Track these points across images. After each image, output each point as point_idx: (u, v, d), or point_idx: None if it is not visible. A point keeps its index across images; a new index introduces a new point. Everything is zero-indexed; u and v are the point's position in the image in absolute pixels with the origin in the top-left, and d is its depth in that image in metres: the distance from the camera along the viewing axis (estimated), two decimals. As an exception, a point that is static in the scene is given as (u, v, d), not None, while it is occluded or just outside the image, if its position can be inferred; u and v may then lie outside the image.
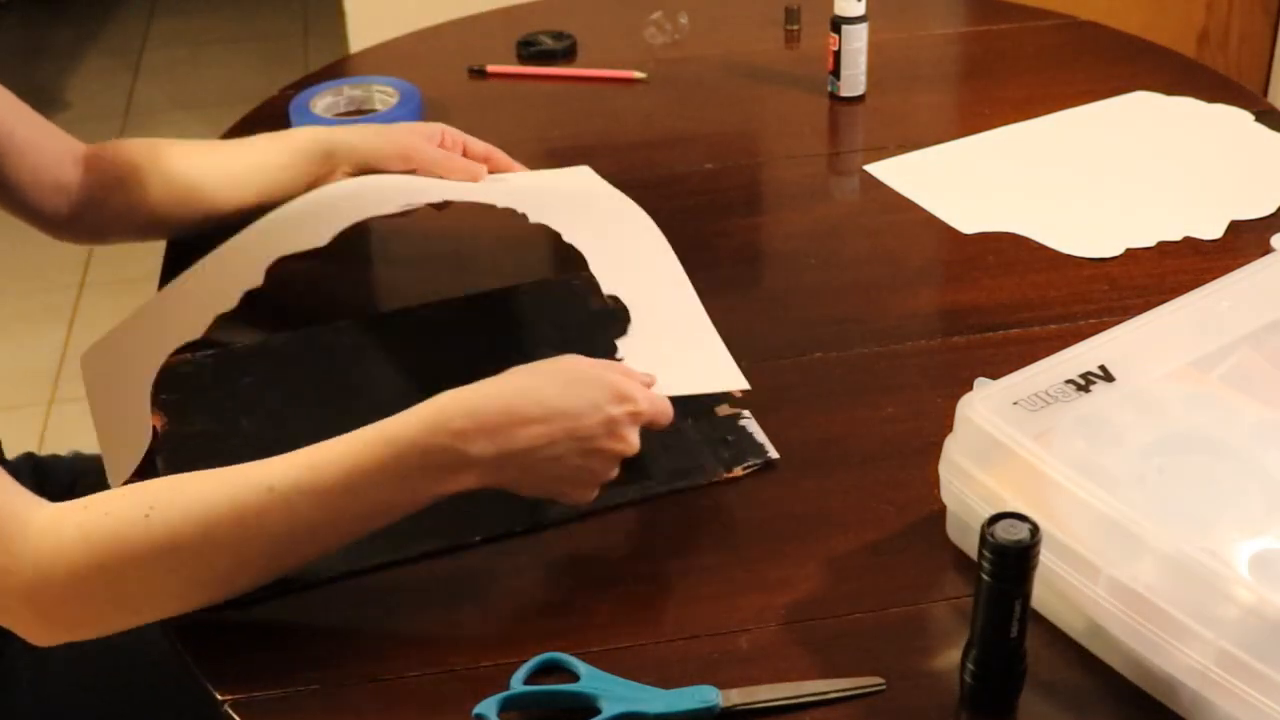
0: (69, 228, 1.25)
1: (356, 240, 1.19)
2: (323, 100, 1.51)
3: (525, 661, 0.84)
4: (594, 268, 1.05)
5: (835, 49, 1.50)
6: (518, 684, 0.82)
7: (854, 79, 1.51)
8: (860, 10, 1.48)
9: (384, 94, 1.52)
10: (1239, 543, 0.82)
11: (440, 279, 1.23)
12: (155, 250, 1.30)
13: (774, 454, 1.00)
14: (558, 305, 1.14)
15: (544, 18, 1.73)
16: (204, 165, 1.24)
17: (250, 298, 1.03)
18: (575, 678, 0.83)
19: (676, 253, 1.22)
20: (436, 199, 1.20)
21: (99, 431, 1.05)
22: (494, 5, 1.80)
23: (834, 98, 1.53)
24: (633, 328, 1.01)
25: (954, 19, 1.75)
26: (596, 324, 1.06)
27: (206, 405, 1.07)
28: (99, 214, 1.24)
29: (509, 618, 0.89)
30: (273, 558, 0.87)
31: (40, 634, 0.88)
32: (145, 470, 0.99)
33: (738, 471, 0.99)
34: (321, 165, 1.23)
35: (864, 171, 1.39)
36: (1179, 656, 0.77)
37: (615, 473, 0.92)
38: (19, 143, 1.17)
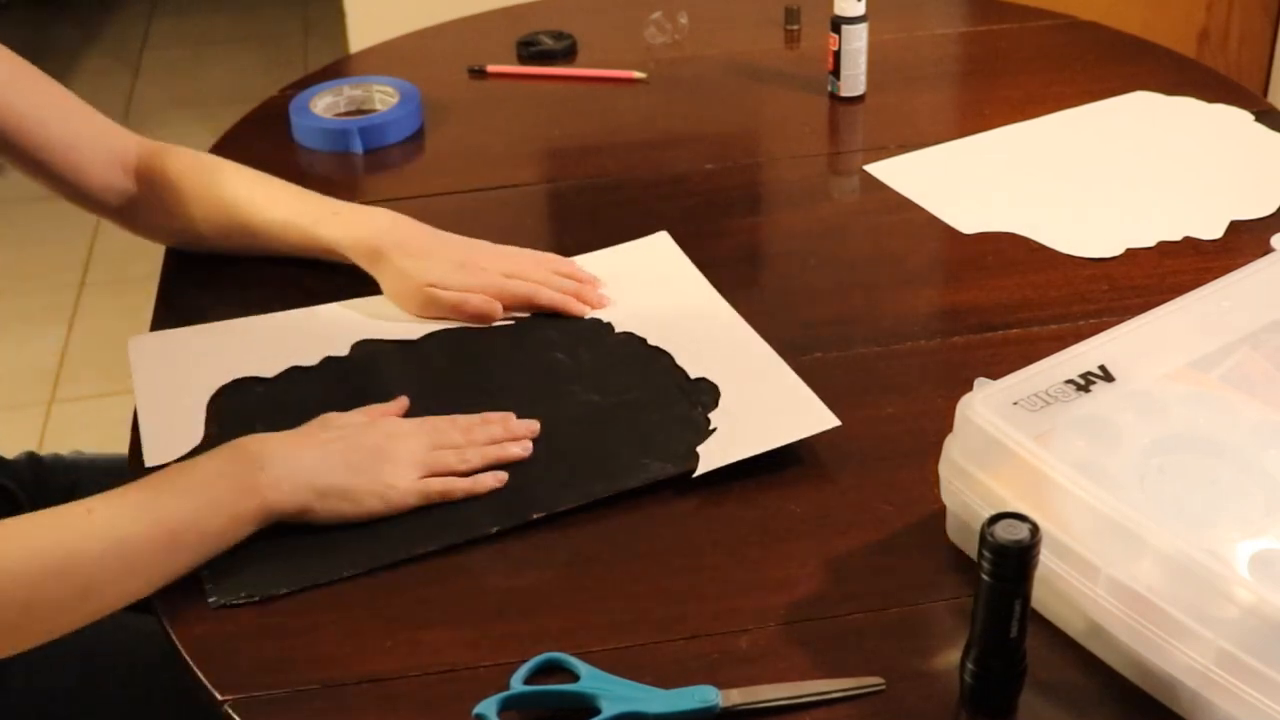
0: (120, 221, 1.28)
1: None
2: (323, 100, 1.51)
3: (525, 661, 0.84)
4: (680, 361, 1.10)
5: (835, 49, 1.50)
6: (518, 684, 0.82)
7: (854, 79, 1.51)
8: (860, 10, 1.48)
9: (384, 94, 1.52)
10: (1239, 543, 0.82)
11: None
12: (155, 251, 1.30)
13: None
14: (653, 373, 1.11)
15: (544, 18, 1.74)
16: (253, 204, 1.22)
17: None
18: (575, 678, 0.83)
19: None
20: (538, 308, 1.18)
21: (141, 412, 1.07)
22: (494, 5, 1.80)
23: (834, 98, 1.53)
24: (723, 400, 1.05)
25: (954, 19, 1.75)
26: (688, 395, 1.07)
27: (264, 416, 1.07)
28: (145, 218, 1.26)
29: (509, 618, 0.89)
30: (95, 582, 0.89)
31: None
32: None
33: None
34: (367, 264, 1.20)
35: (864, 171, 1.39)
36: (1179, 656, 0.77)
37: (416, 465, 0.97)
38: (56, 140, 1.20)
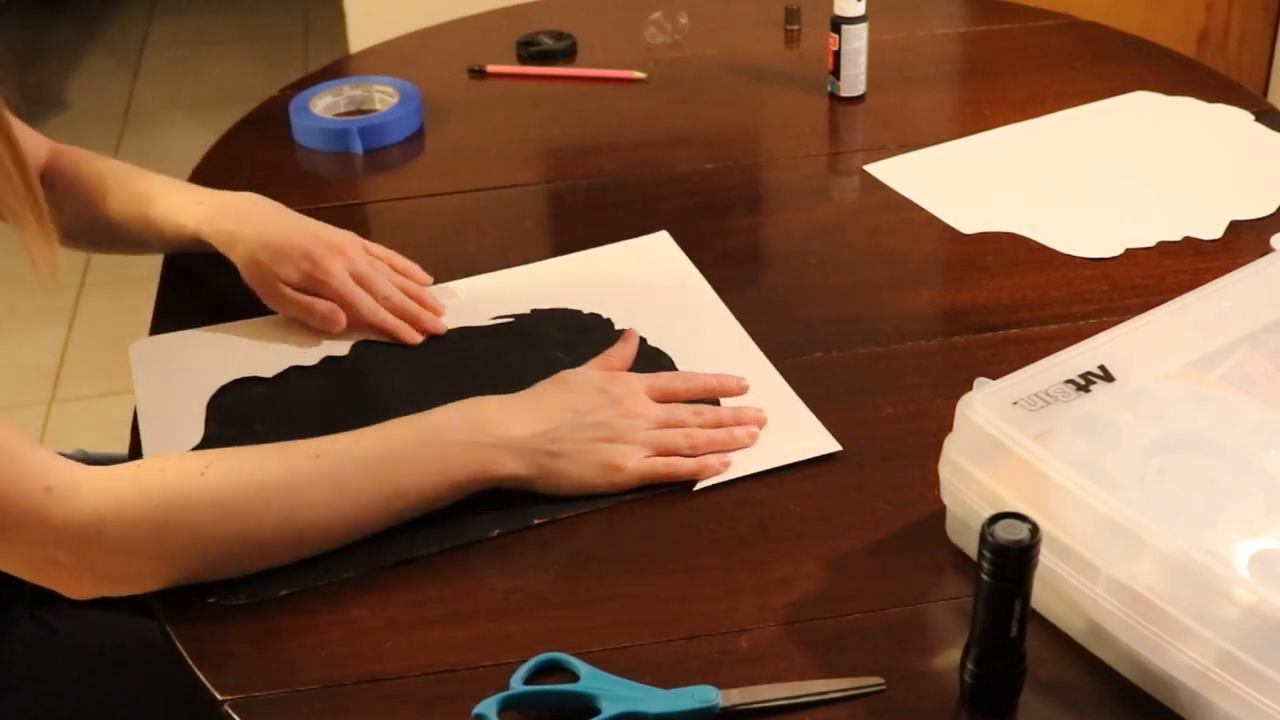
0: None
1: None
2: (323, 100, 1.51)
3: (525, 661, 0.84)
4: (680, 365, 1.10)
5: (835, 49, 1.50)
6: (518, 684, 0.82)
7: (854, 79, 1.51)
8: (860, 10, 1.48)
9: (384, 94, 1.52)
10: (1239, 543, 0.82)
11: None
12: (155, 250, 1.30)
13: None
14: (644, 363, 1.11)
15: (544, 18, 1.73)
16: (119, 198, 1.21)
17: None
18: (575, 678, 0.83)
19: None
20: (526, 309, 1.19)
21: (141, 415, 1.08)
22: (494, 5, 1.80)
23: (834, 98, 1.53)
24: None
25: (954, 19, 1.75)
26: (688, 401, 1.06)
27: (264, 415, 1.08)
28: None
29: (509, 618, 0.89)
30: (317, 525, 0.91)
31: (83, 586, 0.89)
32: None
33: None
34: (224, 248, 1.19)
35: (864, 171, 1.39)
36: (1179, 656, 0.77)
37: (645, 445, 0.98)
38: None
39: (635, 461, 0.97)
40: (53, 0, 4.16)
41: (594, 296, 1.19)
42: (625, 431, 0.98)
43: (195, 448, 1.03)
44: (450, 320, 1.17)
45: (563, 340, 1.13)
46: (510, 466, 0.95)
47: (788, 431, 1.03)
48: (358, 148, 1.45)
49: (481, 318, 1.17)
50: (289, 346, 1.14)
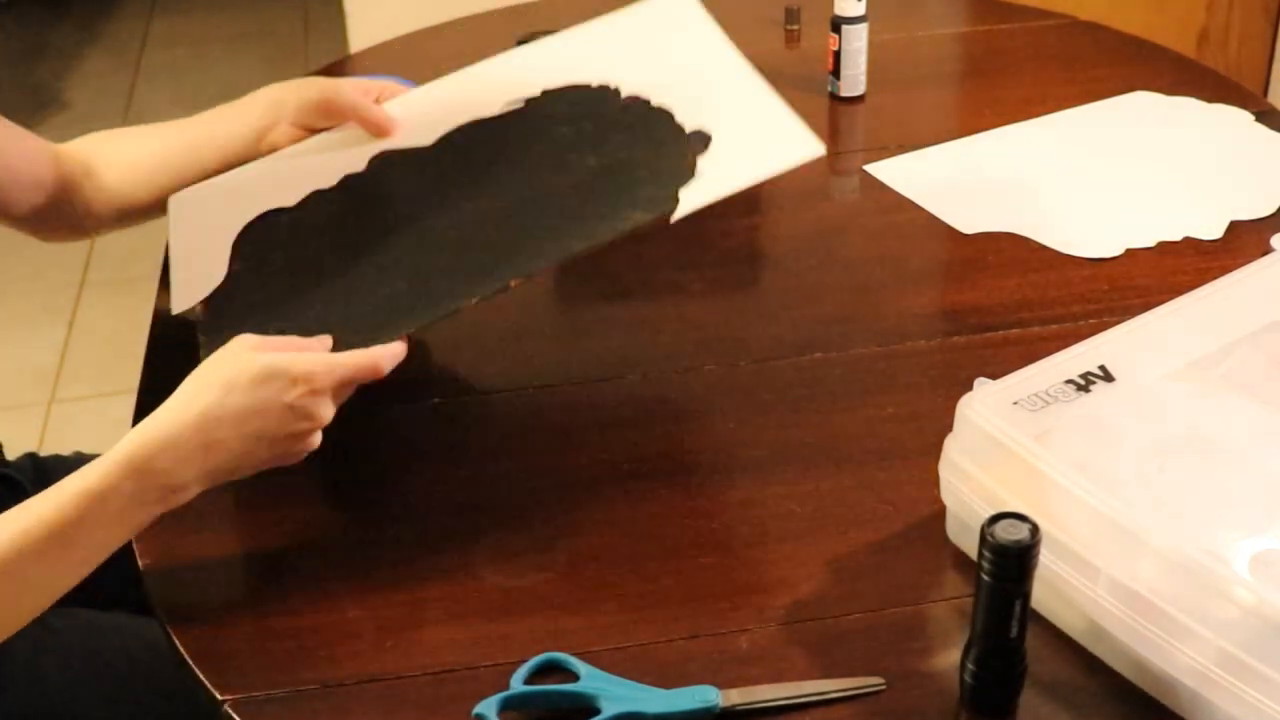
0: (51, 225, 1.24)
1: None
2: None
3: (525, 661, 0.84)
4: (680, 118, 1.10)
5: (835, 49, 1.50)
6: (518, 684, 0.82)
7: (854, 79, 1.51)
8: (860, 10, 1.48)
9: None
10: (1239, 543, 0.82)
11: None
12: (155, 250, 1.30)
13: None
14: (652, 130, 1.12)
15: (544, 18, 1.73)
16: (162, 143, 1.23)
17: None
18: (575, 678, 0.83)
19: (676, 252, 1.23)
20: (538, 90, 1.17)
21: (174, 263, 1.10)
22: (494, 5, 1.80)
23: (834, 98, 1.53)
24: (713, 145, 1.06)
25: (954, 19, 1.75)
26: (681, 145, 1.08)
27: (283, 243, 1.10)
28: (74, 207, 1.23)
29: (509, 618, 0.89)
30: (4, 616, 0.90)
31: None
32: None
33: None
34: (265, 117, 1.20)
35: (864, 171, 1.39)
36: (1179, 656, 0.77)
37: (316, 440, 0.94)
38: None
39: (317, 438, 0.94)
40: (53, 0, 4.16)
41: (602, 67, 1.17)
42: (301, 446, 0.94)
43: (217, 289, 1.04)
44: (462, 115, 1.15)
45: (570, 114, 1.13)
46: (193, 493, 0.91)
47: (771, 141, 1.05)
48: None
49: (495, 106, 1.16)
50: (310, 172, 1.14)
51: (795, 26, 1.69)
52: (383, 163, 1.14)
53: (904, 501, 0.96)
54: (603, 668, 0.84)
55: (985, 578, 0.76)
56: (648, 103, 1.12)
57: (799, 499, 0.97)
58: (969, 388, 0.91)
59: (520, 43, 1.66)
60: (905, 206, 1.33)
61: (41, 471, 1.26)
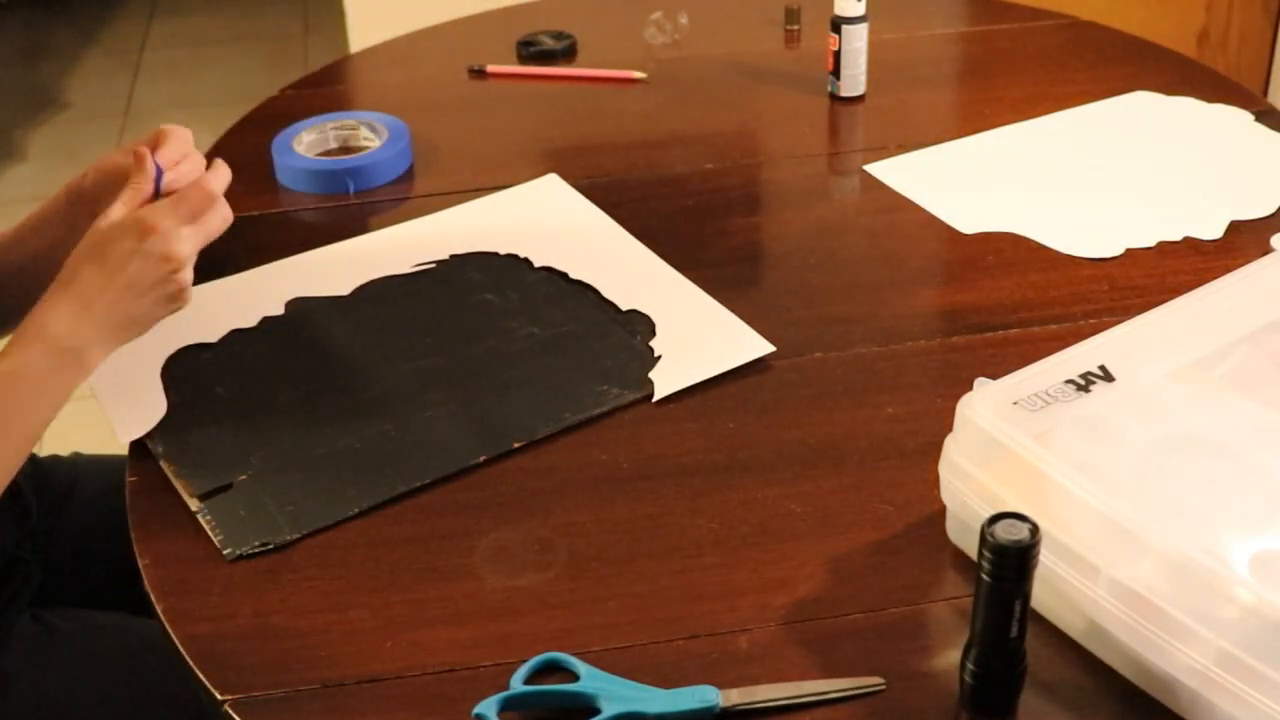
0: None
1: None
2: (307, 137, 1.43)
3: (525, 661, 0.84)
4: (606, 294, 1.18)
5: (835, 49, 1.50)
6: (518, 684, 0.82)
7: (854, 79, 1.51)
8: (860, 10, 1.48)
9: (370, 132, 1.44)
10: (1239, 543, 0.82)
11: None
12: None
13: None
14: (583, 306, 1.18)
15: (544, 18, 1.74)
16: None
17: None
18: (575, 678, 0.83)
19: (676, 253, 1.24)
20: (445, 254, 1.25)
21: (102, 396, 1.11)
22: (494, 5, 1.80)
23: (834, 98, 1.53)
24: (660, 330, 1.13)
25: (954, 19, 1.75)
26: (624, 325, 1.15)
27: (218, 381, 1.13)
28: None
29: (509, 618, 0.89)
30: None
31: None
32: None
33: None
34: (70, 210, 1.16)
35: (864, 171, 1.39)
36: (1179, 656, 0.77)
37: (187, 276, 1.01)
38: None
39: (186, 275, 1.01)
40: (53, 0, 4.16)
41: (505, 239, 1.26)
42: (171, 272, 1.00)
43: (165, 418, 1.07)
44: (372, 271, 1.22)
45: (488, 282, 1.19)
46: (98, 356, 1.00)
47: (720, 341, 1.11)
48: (349, 189, 1.38)
49: (403, 266, 1.23)
50: (227, 311, 1.18)
51: (795, 26, 1.70)
52: (300, 306, 1.19)
53: (904, 501, 0.96)
54: (603, 668, 0.84)
55: (985, 578, 0.76)
56: (565, 275, 1.20)
57: (799, 499, 0.97)
58: (969, 388, 0.91)
59: (521, 44, 1.66)
60: (905, 206, 1.33)
61: (41, 472, 1.26)
